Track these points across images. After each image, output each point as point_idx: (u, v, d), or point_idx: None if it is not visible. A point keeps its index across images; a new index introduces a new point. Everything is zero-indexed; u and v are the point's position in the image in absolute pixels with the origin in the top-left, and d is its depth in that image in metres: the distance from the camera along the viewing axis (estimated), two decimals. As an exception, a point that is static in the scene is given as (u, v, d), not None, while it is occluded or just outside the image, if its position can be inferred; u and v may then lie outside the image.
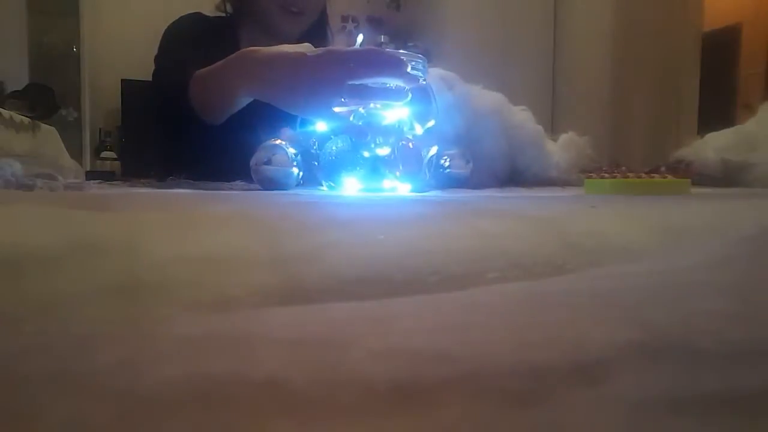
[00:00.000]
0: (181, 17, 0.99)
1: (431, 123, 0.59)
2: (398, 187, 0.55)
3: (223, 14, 1.03)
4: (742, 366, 0.11)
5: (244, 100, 0.69)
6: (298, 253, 0.20)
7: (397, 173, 0.54)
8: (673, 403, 0.10)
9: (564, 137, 0.93)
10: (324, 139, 0.57)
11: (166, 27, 0.97)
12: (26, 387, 0.10)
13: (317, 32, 1.01)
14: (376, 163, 0.54)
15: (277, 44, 0.70)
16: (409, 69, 0.56)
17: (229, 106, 0.70)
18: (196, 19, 1.00)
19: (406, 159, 0.54)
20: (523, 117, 0.84)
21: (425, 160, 0.58)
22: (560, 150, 0.88)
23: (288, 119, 0.63)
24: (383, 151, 0.54)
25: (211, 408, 0.10)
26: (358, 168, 0.55)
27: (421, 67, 0.59)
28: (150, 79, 0.92)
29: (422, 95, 0.58)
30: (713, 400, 0.10)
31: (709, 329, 0.12)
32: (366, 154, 0.54)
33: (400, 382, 0.10)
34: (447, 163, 0.65)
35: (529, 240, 0.23)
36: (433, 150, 0.59)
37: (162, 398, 0.10)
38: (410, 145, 0.55)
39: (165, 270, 0.18)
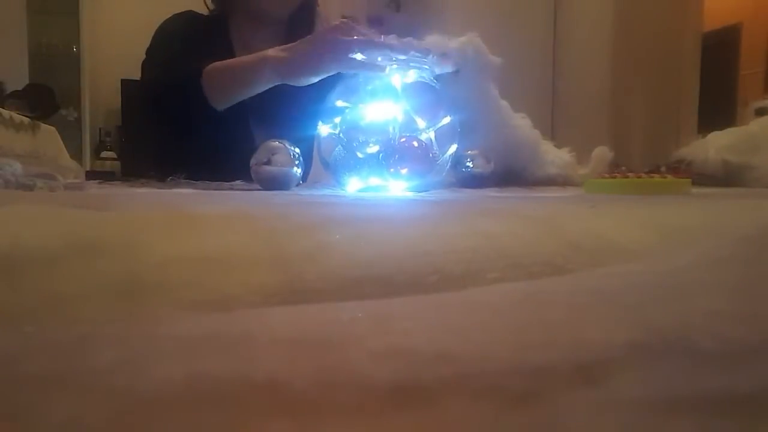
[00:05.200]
0: (174, 15, 1.03)
1: (446, 120, 0.60)
2: (396, 186, 0.55)
3: (213, 11, 1.05)
4: (742, 366, 0.11)
5: (263, 84, 0.78)
6: (298, 253, 0.20)
7: (402, 171, 0.54)
8: (673, 403, 0.10)
9: (597, 151, 0.92)
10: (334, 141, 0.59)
11: (159, 24, 1.01)
12: (26, 387, 0.10)
13: (305, 14, 1.03)
14: (370, 162, 0.55)
15: (265, 32, 0.96)
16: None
17: (249, 87, 0.79)
18: (189, 17, 1.03)
19: (411, 157, 0.54)
20: (520, 123, 0.85)
21: (445, 159, 0.59)
22: (592, 161, 0.88)
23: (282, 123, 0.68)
24: (372, 149, 0.55)
25: (211, 408, 0.10)
26: (356, 168, 0.56)
27: (427, 65, 0.59)
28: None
29: (427, 92, 0.59)
30: (713, 400, 0.10)
31: (709, 329, 0.12)
32: (359, 154, 0.55)
33: (400, 382, 0.10)
34: (470, 162, 0.68)
35: (529, 240, 0.23)
36: (452, 149, 0.60)
37: (162, 398, 0.10)
38: (414, 143, 0.55)
39: (165, 270, 0.18)
